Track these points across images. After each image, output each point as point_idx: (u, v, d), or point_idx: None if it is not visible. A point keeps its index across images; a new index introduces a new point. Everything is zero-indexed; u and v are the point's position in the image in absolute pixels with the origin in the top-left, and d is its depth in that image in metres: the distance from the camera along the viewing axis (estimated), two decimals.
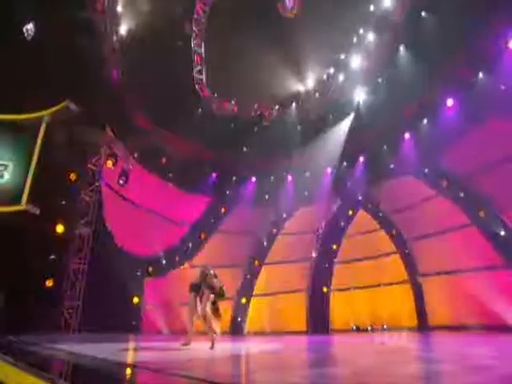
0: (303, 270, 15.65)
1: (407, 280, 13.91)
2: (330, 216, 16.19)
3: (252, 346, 7.71)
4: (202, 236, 16.11)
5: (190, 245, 15.80)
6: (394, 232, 14.36)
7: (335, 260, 15.76)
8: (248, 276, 15.97)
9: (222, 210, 16.74)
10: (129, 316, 13.48)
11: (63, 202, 10.66)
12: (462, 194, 11.95)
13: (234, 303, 15.51)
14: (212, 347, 6.01)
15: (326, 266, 15.78)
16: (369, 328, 14.08)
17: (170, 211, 15.45)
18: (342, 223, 16.07)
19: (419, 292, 13.03)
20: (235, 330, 14.42)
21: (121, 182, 11.89)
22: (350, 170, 15.26)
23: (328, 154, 15.47)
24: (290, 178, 16.83)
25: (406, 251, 13.99)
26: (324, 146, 15.41)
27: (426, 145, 12.26)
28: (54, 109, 10.05)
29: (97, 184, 11.92)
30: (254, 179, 17.02)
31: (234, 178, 16.94)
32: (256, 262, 16.24)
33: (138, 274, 14.43)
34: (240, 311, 15.19)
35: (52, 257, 10.26)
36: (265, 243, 16.52)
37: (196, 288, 6.52)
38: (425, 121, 12.50)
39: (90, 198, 11.55)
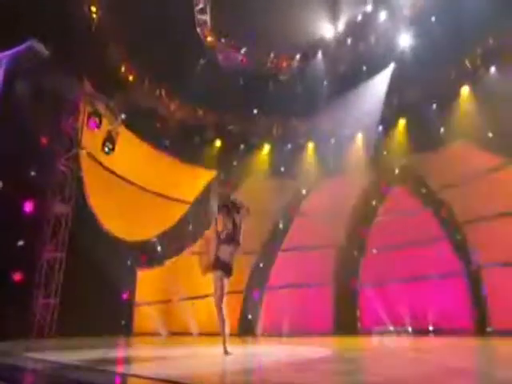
0: (327, 259, 14.43)
1: (459, 272, 12.67)
2: (360, 193, 14.84)
3: (295, 351, 6.64)
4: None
5: (191, 227, 14.47)
6: (442, 213, 13.03)
7: (366, 247, 14.50)
8: (261, 265, 14.75)
9: (229, 185, 15.35)
10: (117, 315, 12.28)
11: (32, 173, 9.19)
12: None
13: (243, 298, 14.36)
14: (226, 352, 5.20)
15: (355, 254, 14.58)
16: (409, 329, 12.96)
17: (165, 187, 14.07)
18: (374, 202, 14.76)
19: (475, 287, 11.82)
20: (245, 330, 13.25)
21: (106, 149, 10.41)
22: (388, 135, 13.80)
23: (360, 116, 13.95)
24: (311, 145, 15.34)
25: (459, 237, 12.71)
26: (355, 106, 13.85)
27: (492, 100, 10.78)
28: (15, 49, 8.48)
29: (75, 151, 10.43)
30: (266, 148, 15.53)
31: (242, 147, 15.46)
32: (271, 248, 14.93)
33: (129, 263, 13.14)
34: (251, 308, 14.09)
35: (20, 243, 8.87)
36: (280, 225, 15.27)
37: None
38: (492, 69, 10.95)
39: (66, 168, 10.09)
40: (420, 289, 13.20)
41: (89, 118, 10.24)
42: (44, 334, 9.08)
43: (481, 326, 11.33)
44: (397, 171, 14.40)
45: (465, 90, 11.91)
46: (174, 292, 12.83)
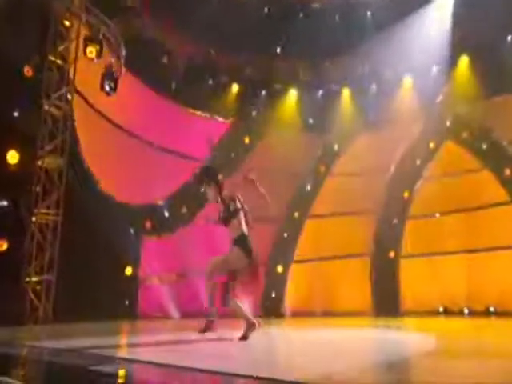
0: (364, 227, 13.28)
1: None
2: (404, 149, 13.52)
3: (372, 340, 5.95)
4: (220, 177, 13.27)
5: (203, 189, 12.97)
6: (508, 172, 11.80)
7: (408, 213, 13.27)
8: (286, 234, 13.63)
9: (246, 139, 13.91)
10: (119, 294, 11.02)
11: (15, 114, 7.64)
12: None
13: (265, 272, 13.23)
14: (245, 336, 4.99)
15: (395, 221, 13.42)
16: (465, 310, 12.01)
17: (173, 141, 12.57)
18: (421, 160, 13.47)
19: None
20: (268, 310, 12.23)
21: (107, 87, 8.83)
22: (445, 78, 12.32)
23: (409, 55, 12.39)
24: (346, 91, 13.81)
25: None
26: (404, 43, 12.27)
27: None
28: None
29: (67, 89, 8.82)
30: (293, 95, 13.98)
31: (263, 93, 13.90)
32: (297, 215, 13.75)
33: (132, 231, 11.74)
34: (275, 284, 13.08)
35: (3, 203, 7.39)
36: (308, 187, 13.99)
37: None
38: None
39: (57, 109, 8.51)
40: (476, 262, 12.19)
41: (85, 44, 8.61)
42: (37, 318, 7.72)
43: None
44: (450, 123, 13.02)
45: None
46: (188, 265, 11.58)
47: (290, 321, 11.89)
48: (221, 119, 13.60)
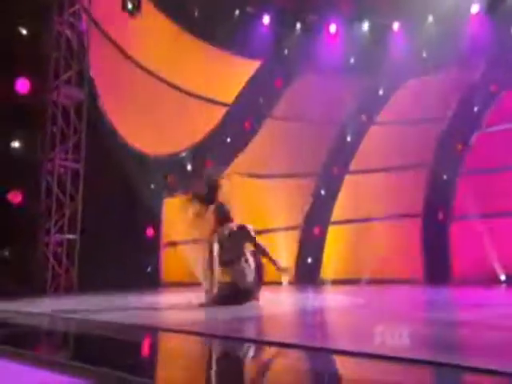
0: (413, 183, 12.40)
1: None
2: (461, 94, 12.47)
3: None
4: (247, 126, 12.28)
5: (229, 140, 11.99)
6: None
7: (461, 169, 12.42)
8: (323, 191, 12.75)
9: (279, 81, 12.73)
10: (141, 258, 10.11)
11: (24, 32, 6.40)
12: None
13: (300, 235, 12.36)
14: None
15: (445, 178, 12.51)
16: None
17: (196, 82, 11.42)
18: (477, 108, 12.45)
19: None
20: (304, 276, 11.56)
21: (129, 5, 7.58)
22: None
23: None
24: (396, 26, 12.60)
25: None
26: None
27: None
28: None
29: (78, 7, 7.54)
30: (333, 29, 12.69)
31: (298, 26, 12.60)
32: (336, 169, 12.84)
33: (152, 186, 10.69)
34: (311, 248, 12.39)
35: (15, 144, 6.22)
36: (349, 138, 12.99)
37: None
38: None
39: (70, 29, 7.23)
40: None
41: None
42: (59, 285, 6.70)
43: None
44: None
45: None
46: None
47: (334, 289, 11.14)
48: (247, 58, 12.32)
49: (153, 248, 10.61)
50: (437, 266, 11.93)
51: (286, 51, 12.75)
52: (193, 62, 11.36)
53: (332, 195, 12.75)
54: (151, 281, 10.31)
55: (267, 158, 12.01)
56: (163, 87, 10.90)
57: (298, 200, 12.43)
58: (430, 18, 12.21)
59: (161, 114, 10.76)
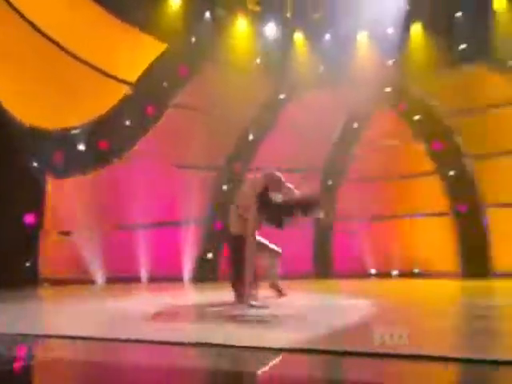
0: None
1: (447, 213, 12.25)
2: (347, 111, 13.26)
3: None
4: (149, 110, 11.40)
5: (129, 122, 10.91)
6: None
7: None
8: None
9: (183, 69, 12.12)
10: (19, 251, 8.84)
11: None
12: None
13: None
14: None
15: (329, 183, 13.17)
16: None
17: (98, 54, 10.32)
18: (358, 124, 13.38)
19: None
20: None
21: None
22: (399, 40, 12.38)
23: (368, 11, 12.09)
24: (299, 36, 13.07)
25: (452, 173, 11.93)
26: None
27: None
28: None
29: None
30: (241, 23, 12.76)
31: (206, 16, 12.45)
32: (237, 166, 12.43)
33: (35, 164, 9.31)
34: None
35: None
36: (251, 136, 12.72)
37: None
38: None
39: None
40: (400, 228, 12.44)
41: None
42: None
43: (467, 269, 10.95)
44: (389, 89, 13.20)
45: None
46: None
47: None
48: (155, 38, 11.47)
49: (32, 237, 9.14)
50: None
51: (192, 39, 12.17)
52: (97, 34, 10.19)
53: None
54: (28, 277, 8.90)
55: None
56: (62, 55, 9.52)
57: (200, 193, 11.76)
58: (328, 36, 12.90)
59: (55, 84, 9.41)
